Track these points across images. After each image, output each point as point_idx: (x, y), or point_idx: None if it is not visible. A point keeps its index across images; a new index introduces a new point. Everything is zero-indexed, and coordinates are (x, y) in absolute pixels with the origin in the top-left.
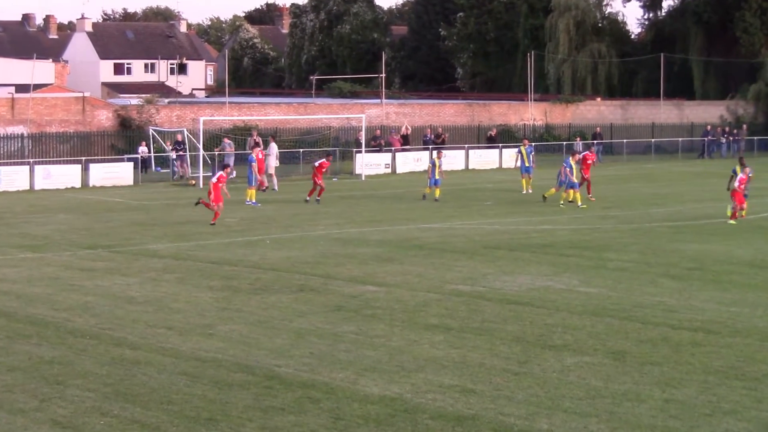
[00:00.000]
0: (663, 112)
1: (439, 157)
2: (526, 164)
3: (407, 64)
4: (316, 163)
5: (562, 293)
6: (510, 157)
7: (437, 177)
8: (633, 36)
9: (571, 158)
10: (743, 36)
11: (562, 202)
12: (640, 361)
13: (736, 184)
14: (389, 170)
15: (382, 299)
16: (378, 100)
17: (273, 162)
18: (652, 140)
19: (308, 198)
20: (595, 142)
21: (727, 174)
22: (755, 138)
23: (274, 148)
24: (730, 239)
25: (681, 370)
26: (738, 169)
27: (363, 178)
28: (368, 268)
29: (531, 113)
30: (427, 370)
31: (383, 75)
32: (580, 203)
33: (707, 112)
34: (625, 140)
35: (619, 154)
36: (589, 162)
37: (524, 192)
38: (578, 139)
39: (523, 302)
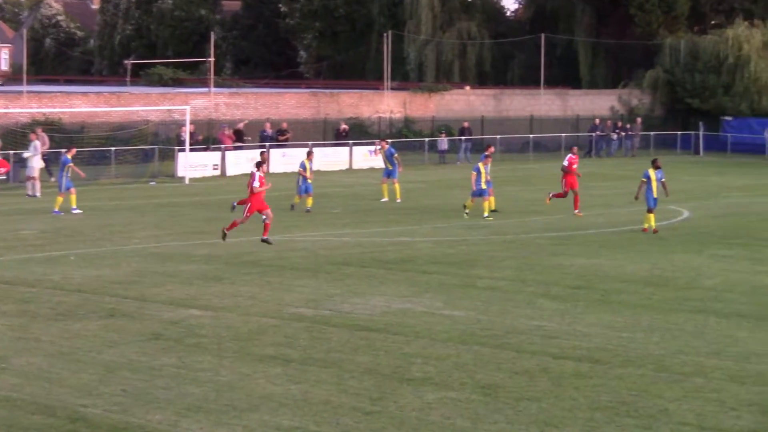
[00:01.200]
0: (543, 103)
1: (309, 159)
2: (388, 167)
3: (241, 45)
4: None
5: (422, 317)
6: (363, 156)
7: (309, 182)
8: (509, 14)
9: (480, 163)
10: (638, 14)
11: (486, 213)
12: (515, 396)
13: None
14: (218, 172)
15: (208, 326)
16: (206, 89)
17: (37, 163)
18: (531, 136)
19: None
20: (463, 138)
21: (621, 176)
22: (651, 133)
23: (37, 145)
24: (622, 252)
25: (563, 406)
26: (651, 172)
27: (187, 182)
28: (192, 288)
29: (387, 104)
30: (262, 409)
31: (212, 59)
32: (485, 213)
33: (595, 103)
34: (498, 136)
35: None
36: (575, 167)
37: (385, 200)
38: (443, 135)
39: (377, 328)
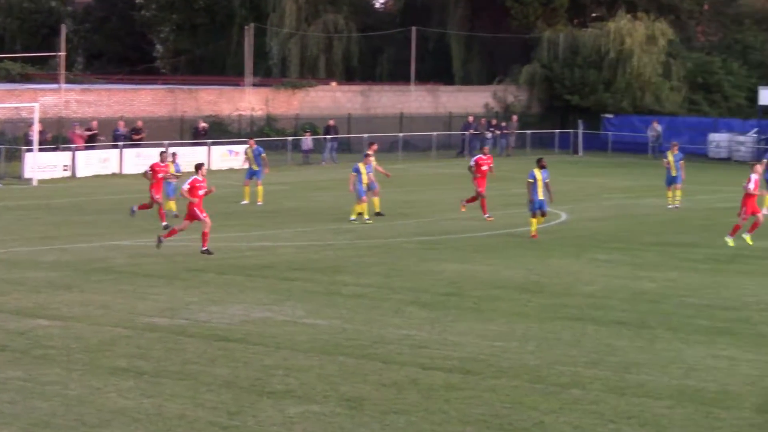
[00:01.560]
0: (414, 99)
1: (174, 161)
2: (254, 168)
3: (93, 39)
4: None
5: (284, 326)
6: (222, 156)
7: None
8: (378, 5)
9: (360, 164)
10: (515, 6)
11: (367, 217)
12: (382, 409)
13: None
14: (68, 173)
15: (56, 336)
16: (56, 86)
17: None
18: (400, 135)
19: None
20: (328, 137)
21: (496, 176)
22: (528, 132)
23: None
24: (497, 257)
25: (433, 420)
26: (537, 172)
27: (35, 184)
28: (40, 297)
29: (249, 101)
30: (113, 424)
31: (63, 54)
32: (353, 216)
33: (469, 100)
34: (366, 135)
35: (359, 152)
36: (485, 168)
37: (245, 202)
38: (308, 134)
39: (236, 338)
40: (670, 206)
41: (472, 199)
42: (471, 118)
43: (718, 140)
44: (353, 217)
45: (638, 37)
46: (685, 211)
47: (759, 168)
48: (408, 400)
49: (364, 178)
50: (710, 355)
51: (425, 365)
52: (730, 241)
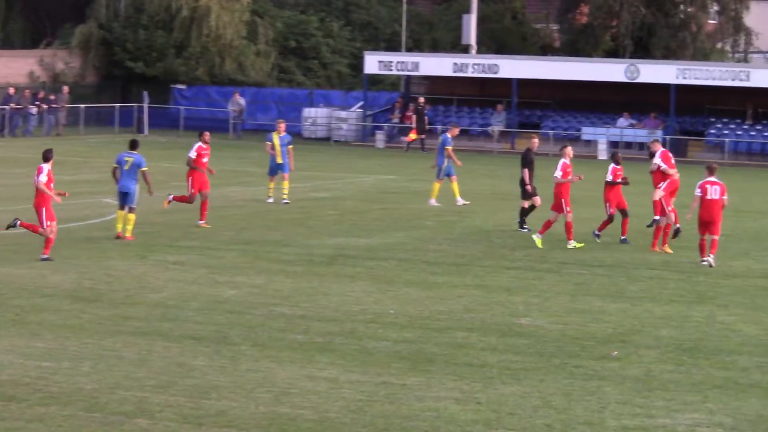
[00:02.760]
0: None
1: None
2: None
3: None
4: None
5: None
6: None
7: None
8: None
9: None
10: None
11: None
12: None
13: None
14: None
15: None
16: None
17: None
18: None
19: None
20: None
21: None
22: (82, 106)
23: None
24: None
25: None
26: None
27: None
28: None
29: None
30: None
31: None
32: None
33: (10, 68)
34: None
35: None
36: (205, 160)
37: None
38: None
39: None
40: (270, 200)
41: (184, 199)
42: (12, 90)
43: (315, 116)
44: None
45: None
46: (272, 203)
47: (569, 151)
48: None
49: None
50: (306, 376)
51: None
52: (576, 244)
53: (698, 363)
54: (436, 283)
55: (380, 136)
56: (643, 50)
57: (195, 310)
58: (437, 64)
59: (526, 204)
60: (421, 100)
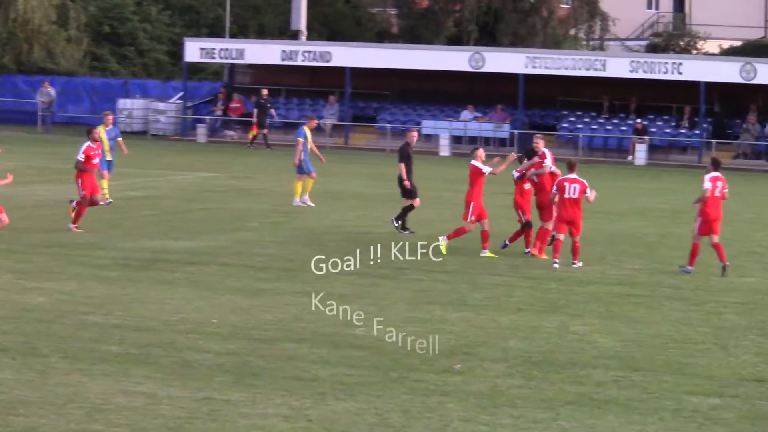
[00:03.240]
0: None
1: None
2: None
3: None
4: None
5: None
6: None
7: None
8: None
9: None
10: None
11: None
12: None
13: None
14: None
15: None
16: None
17: None
18: None
19: None
20: None
21: None
22: None
23: None
24: None
25: None
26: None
27: None
28: None
29: None
30: None
31: None
32: None
33: None
34: None
35: None
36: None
37: None
38: None
39: None
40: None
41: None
42: None
43: (131, 108)
44: None
45: None
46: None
47: (480, 153)
48: None
49: None
50: (121, 390)
51: None
52: (489, 253)
53: (549, 377)
54: (263, 290)
55: (202, 130)
56: (489, 37)
57: (0, 319)
58: (264, 52)
59: (408, 203)
60: (265, 92)
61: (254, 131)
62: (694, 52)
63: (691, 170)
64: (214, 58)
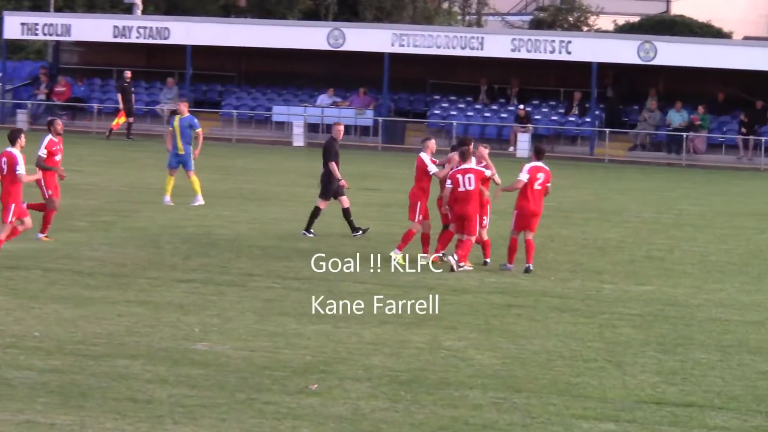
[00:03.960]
0: None
1: None
2: None
3: None
4: None
5: None
6: None
7: None
8: None
9: None
10: None
11: None
12: None
13: None
14: None
15: None
16: None
17: None
18: None
19: None
20: None
21: None
22: None
23: None
24: None
25: None
26: None
27: None
28: None
29: None
30: None
31: None
32: None
33: None
34: None
35: None
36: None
37: None
38: None
39: None
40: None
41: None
42: None
43: None
44: None
45: None
46: None
47: (431, 144)
48: None
49: None
50: None
51: None
52: (400, 258)
53: (419, 399)
54: (92, 299)
55: (22, 116)
56: (350, 11)
57: None
58: (94, 28)
59: (324, 204)
60: (128, 74)
61: (120, 118)
62: (585, 28)
63: (581, 163)
64: (37, 34)
